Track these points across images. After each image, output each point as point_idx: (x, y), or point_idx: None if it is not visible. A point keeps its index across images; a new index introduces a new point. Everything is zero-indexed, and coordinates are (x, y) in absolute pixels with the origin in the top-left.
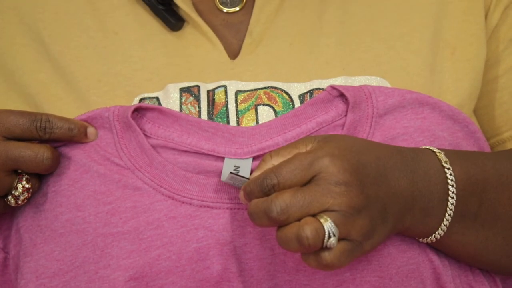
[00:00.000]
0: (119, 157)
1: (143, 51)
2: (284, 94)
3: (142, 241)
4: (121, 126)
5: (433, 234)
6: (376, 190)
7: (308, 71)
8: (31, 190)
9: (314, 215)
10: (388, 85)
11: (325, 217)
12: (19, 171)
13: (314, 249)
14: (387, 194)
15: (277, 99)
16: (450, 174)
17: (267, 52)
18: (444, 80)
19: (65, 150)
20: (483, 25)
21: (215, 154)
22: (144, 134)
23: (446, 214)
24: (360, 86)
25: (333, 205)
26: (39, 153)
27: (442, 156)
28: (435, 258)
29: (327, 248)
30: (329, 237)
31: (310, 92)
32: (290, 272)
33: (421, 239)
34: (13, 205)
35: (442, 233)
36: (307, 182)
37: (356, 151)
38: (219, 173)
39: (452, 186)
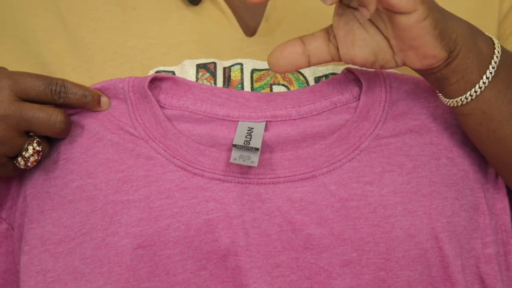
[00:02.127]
0: (133, 127)
1: (160, 26)
2: (300, 75)
3: (152, 210)
4: (136, 97)
5: (471, 89)
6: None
7: None
8: (41, 153)
9: None
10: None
11: None
12: (31, 134)
13: None
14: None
15: (293, 79)
16: (497, 45)
17: (283, 35)
18: None
19: (78, 118)
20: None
21: (230, 119)
22: (158, 105)
23: (490, 67)
24: (375, 71)
25: None
26: (52, 115)
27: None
28: (446, 246)
29: None
30: None
31: (326, 76)
32: (297, 250)
33: (456, 100)
34: (22, 166)
35: (479, 90)
36: None
37: None
38: (232, 147)
39: (498, 52)
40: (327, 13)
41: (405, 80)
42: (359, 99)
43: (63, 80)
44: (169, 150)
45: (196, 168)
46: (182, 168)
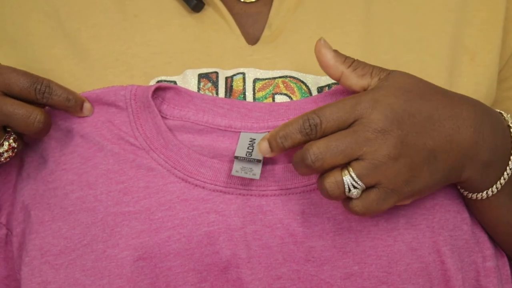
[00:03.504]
0: (134, 137)
1: (162, 34)
2: (302, 85)
3: (152, 221)
4: (137, 106)
5: (486, 190)
6: (423, 138)
7: None
8: (16, 150)
9: (349, 162)
10: None
11: (348, 169)
12: (8, 129)
13: (339, 199)
14: (439, 143)
15: (295, 89)
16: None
17: (285, 43)
18: (463, 83)
19: (78, 127)
20: (500, 37)
21: (231, 129)
22: (160, 115)
23: (505, 173)
24: None
25: (366, 153)
26: (32, 114)
27: (508, 118)
28: (448, 260)
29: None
30: (349, 189)
31: (329, 86)
32: (298, 262)
33: (471, 194)
34: None
35: (495, 190)
36: (350, 125)
37: (409, 97)
38: (233, 159)
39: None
40: (329, 21)
41: None
42: None
43: (49, 81)
44: (170, 161)
45: (197, 180)
46: (183, 179)
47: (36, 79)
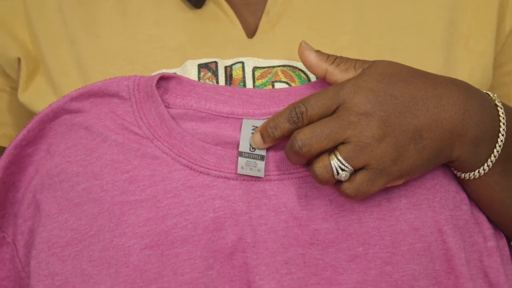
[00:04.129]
0: (138, 126)
1: (164, 30)
2: (301, 73)
3: (159, 209)
4: (140, 96)
5: (478, 169)
6: (407, 118)
7: None
8: None
9: (336, 146)
10: None
11: (335, 153)
12: None
13: (330, 183)
14: (424, 121)
15: (294, 77)
16: (502, 113)
17: (284, 32)
18: (458, 69)
19: (81, 120)
20: (495, 22)
21: (234, 116)
22: (163, 105)
23: (495, 150)
24: None
25: (350, 136)
26: None
27: (495, 97)
28: (449, 239)
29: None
30: (338, 172)
31: None
32: (303, 246)
33: (463, 174)
34: None
35: (487, 168)
36: (334, 111)
37: (391, 81)
38: (237, 145)
39: (504, 124)
40: (326, 8)
41: None
42: None
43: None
44: (174, 149)
45: (202, 167)
46: (187, 166)
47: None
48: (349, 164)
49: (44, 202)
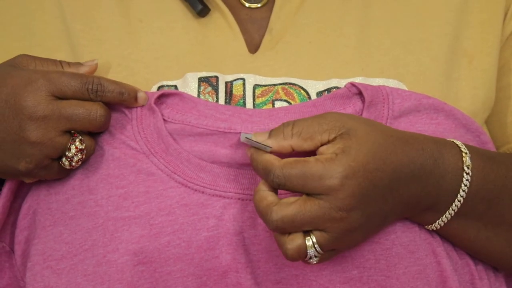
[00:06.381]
0: (135, 141)
1: (166, 38)
2: (302, 91)
3: (152, 226)
4: (140, 109)
5: (432, 225)
6: (380, 205)
7: (326, 70)
8: (85, 151)
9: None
10: (405, 88)
11: (312, 241)
12: (73, 132)
13: (298, 260)
14: (392, 206)
15: (295, 95)
16: (467, 180)
17: (286, 49)
18: (460, 87)
19: None
20: (499, 38)
21: (232, 131)
22: (162, 118)
23: (447, 213)
24: (379, 86)
25: (329, 228)
26: (92, 110)
27: (466, 159)
28: (444, 261)
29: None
30: (311, 258)
31: (328, 90)
32: (297, 267)
33: (426, 226)
34: (67, 167)
35: (439, 226)
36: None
37: (374, 165)
38: (233, 164)
39: (464, 191)
40: (329, 23)
41: (407, 97)
42: (361, 114)
43: (99, 78)
44: (170, 165)
45: (197, 185)
46: (183, 184)
47: (86, 79)
48: (322, 251)
49: (39, 213)
